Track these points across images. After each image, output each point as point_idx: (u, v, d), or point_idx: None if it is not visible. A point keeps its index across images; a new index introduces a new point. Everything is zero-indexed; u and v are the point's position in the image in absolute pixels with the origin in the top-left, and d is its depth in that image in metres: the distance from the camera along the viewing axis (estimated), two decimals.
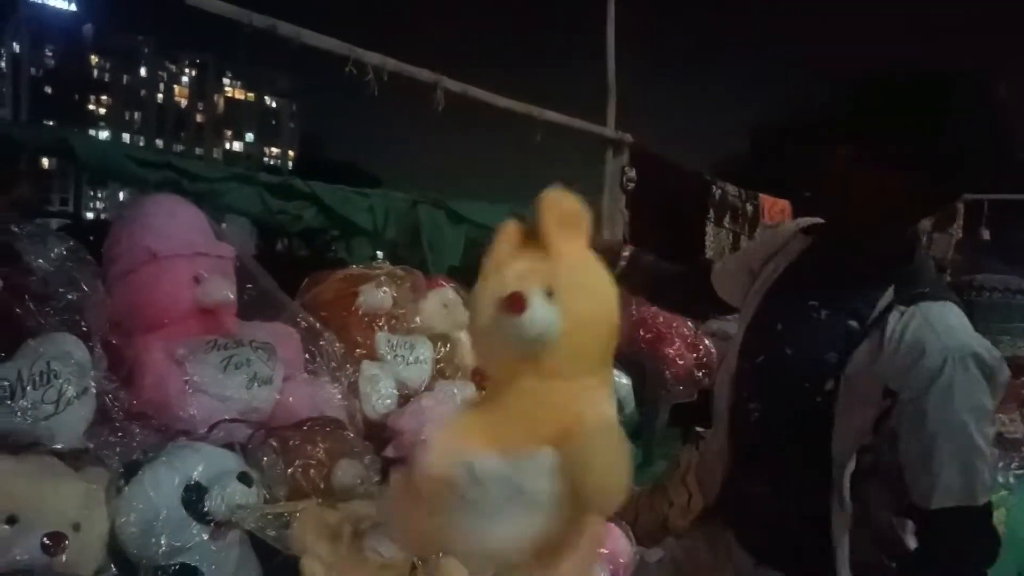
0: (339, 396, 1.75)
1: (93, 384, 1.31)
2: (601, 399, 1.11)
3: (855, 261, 1.31)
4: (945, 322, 1.21)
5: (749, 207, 4.32)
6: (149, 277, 1.56)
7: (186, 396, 1.50)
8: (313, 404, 1.66)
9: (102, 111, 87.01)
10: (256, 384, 1.60)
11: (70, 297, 1.42)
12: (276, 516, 1.31)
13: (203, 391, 1.52)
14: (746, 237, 4.20)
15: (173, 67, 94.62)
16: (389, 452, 1.76)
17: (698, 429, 1.94)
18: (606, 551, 1.75)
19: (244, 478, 1.32)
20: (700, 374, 2.98)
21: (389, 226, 2.64)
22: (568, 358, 1.05)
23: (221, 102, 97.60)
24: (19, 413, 1.20)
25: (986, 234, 5.40)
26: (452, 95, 2.64)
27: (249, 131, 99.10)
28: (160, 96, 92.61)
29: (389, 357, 1.95)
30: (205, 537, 1.26)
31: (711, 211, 4.03)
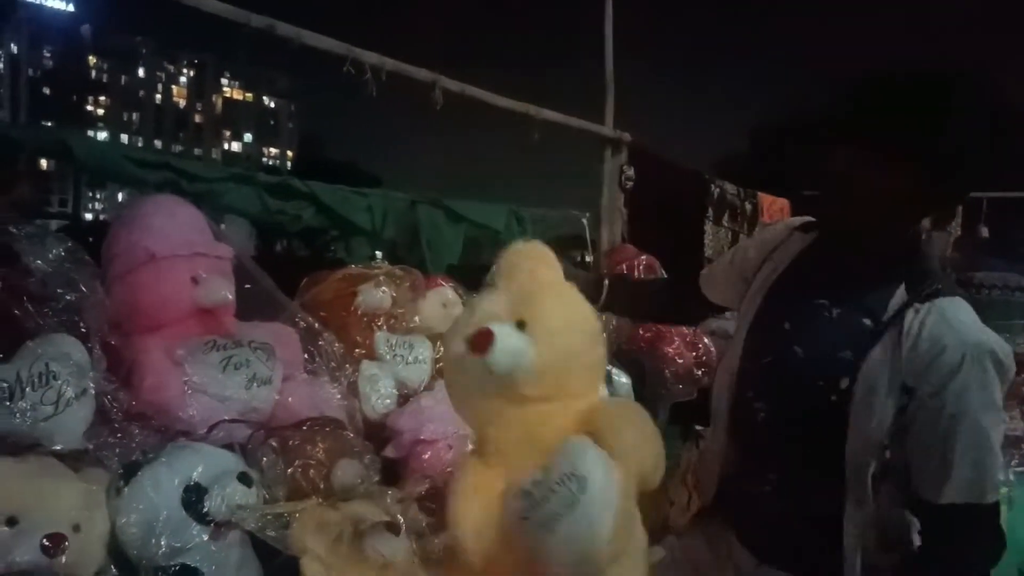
0: (338, 396, 1.75)
1: (92, 385, 1.31)
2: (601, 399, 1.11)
3: (862, 259, 1.31)
4: (961, 318, 1.22)
5: (748, 206, 4.32)
6: (148, 278, 1.56)
7: (185, 397, 1.50)
8: (312, 404, 1.66)
9: (100, 112, 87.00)
10: (255, 384, 1.59)
11: (69, 298, 1.41)
12: (276, 516, 1.31)
13: (202, 391, 1.52)
14: (745, 235, 4.20)
15: (171, 67, 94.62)
16: (389, 452, 1.76)
17: (698, 428, 1.94)
18: None
19: (244, 478, 1.32)
20: (699, 373, 2.99)
21: (388, 226, 2.64)
22: (552, 385, 1.05)
23: (219, 102, 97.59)
24: (18, 414, 1.20)
25: (985, 232, 5.40)
26: (450, 94, 2.63)
27: (248, 131, 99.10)
28: (158, 97, 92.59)
29: (388, 357, 1.95)
30: (205, 538, 1.26)
31: (710, 210, 4.03)
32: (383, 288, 2.06)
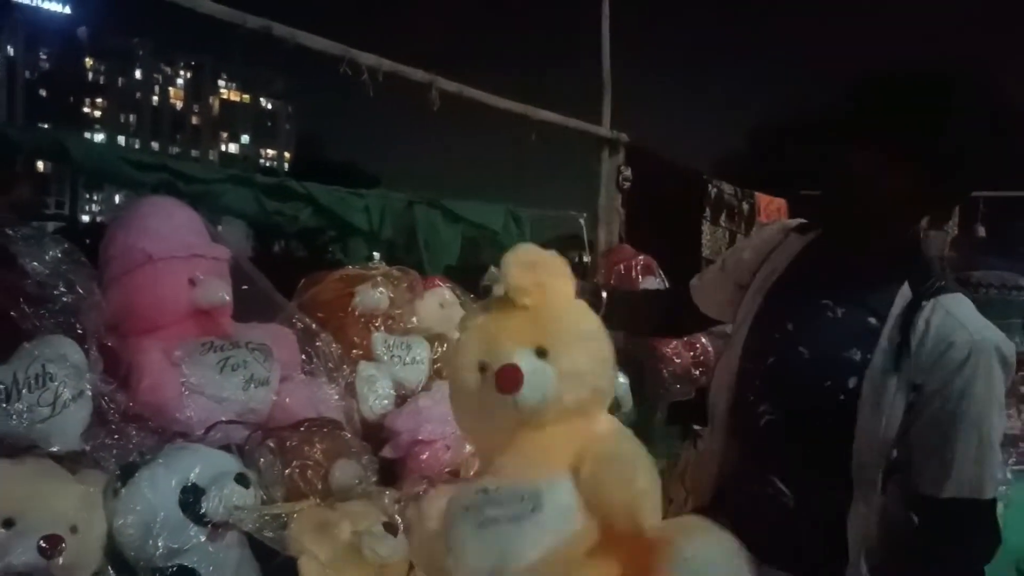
0: (336, 397, 1.75)
1: (89, 386, 1.31)
2: (604, 421, 1.07)
3: (865, 258, 1.31)
4: (967, 315, 1.23)
5: (745, 205, 4.32)
6: (145, 279, 1.56)
7: (182, 398, 1.50)
8: (310, 405, 1.66)
9: (97, 114, 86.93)
10: (253, 385, 1.60)
11: (66, 300, 1.41)
12: (274, 517, 1.31)
13: (200, 393, 1.52)
14: (742, 235, 4.20)
15: (168, 69, 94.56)
16: (387, 452, 1.76)
17: (696, 427, 1.94)
18: None
19: (241, 479, 1.32)
20: (697, 372, 2.99)
21: (385, 226, 2.64)
22: (569, 410, 1.01)
23: (216, 104, 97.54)
24: (15, 416, 1.20)
25: (982, 231, 5.40)
26: (447, 95, 2.63)
27: (245, 133, 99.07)
28: (155, 98, 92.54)
29: (386, 357, 1.95)
30: (203, 539, 1.26)
31: (707, 210, 4.03)
32: (380, 289, 2.06)
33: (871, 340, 1.25)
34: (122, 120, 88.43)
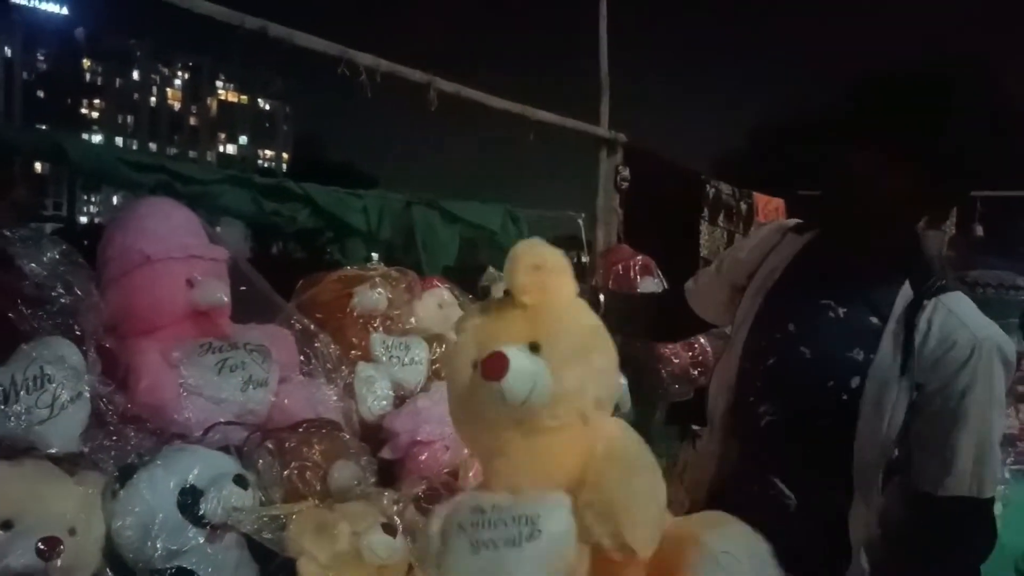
0: (335, 398, 1.75)
1: (87, 388, 1.30)
2: (609, 430, 1.02)
3: (866, 257, 1.31)
4: (969, 313, 1.23)
5: (743, 205, 4.33)
6: (143, 280, 1.56)
7: (181, 399, 1.50)
8: (309, 406, 1.66)
9: (95, 115, 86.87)
10: (251, 386, 1.59)
11: (64, 301, 1.41)
12: (273, 518, 1.31)
13: (198, 394, 1.52)
14: (740, 235, 4.21)
15: (166, 70, 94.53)
16: (385, 453, 1.76)
17: (694, 428, 1.94)
18: None
19: (240, 480, 1.32)
20: (696, 372, 2.99)
21: (383, 227, 2.64)
22: (567, 412, 0.97)
23: (214, 105, 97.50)
24: (13, 418, 1.19)
25: (979, 230, 5.41)
26: (445, 95, 2.63)
27: (243, 134, 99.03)
28: (153, 99, 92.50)
29: (384, 358, 1.95)
30: (201, 540, 1.26)
31: (705, 210, 4.04)
32: (379, 289, 2.06)
33: (873, 340, 1.25)
34: (120, 121, 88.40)
